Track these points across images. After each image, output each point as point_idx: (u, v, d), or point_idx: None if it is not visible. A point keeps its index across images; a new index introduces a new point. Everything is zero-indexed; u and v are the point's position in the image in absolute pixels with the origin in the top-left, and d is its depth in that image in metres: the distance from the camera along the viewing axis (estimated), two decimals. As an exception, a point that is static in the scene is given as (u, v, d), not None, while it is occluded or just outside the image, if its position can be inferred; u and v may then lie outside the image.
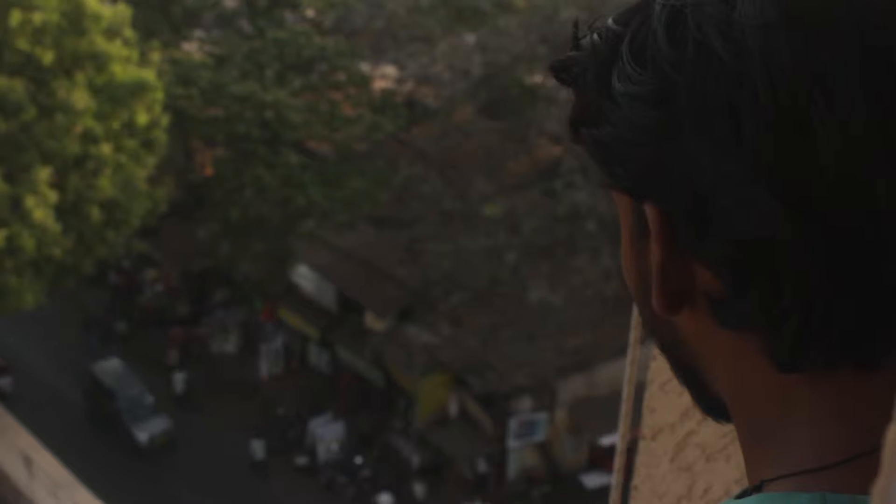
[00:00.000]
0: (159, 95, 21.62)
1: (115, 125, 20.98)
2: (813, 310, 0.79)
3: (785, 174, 0.77)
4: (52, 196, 19.85)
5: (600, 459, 22.13)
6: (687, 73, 0.79)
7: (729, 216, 0.79)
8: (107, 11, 20.95)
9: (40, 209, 19.58)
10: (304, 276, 25.83)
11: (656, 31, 0.82)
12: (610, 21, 0.88)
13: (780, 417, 0.85)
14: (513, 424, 22.98)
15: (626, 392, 1.99)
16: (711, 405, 0.93)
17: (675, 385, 2.12)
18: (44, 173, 19.75)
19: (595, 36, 0.89)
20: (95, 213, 20.91)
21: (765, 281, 0.80)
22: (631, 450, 2.10)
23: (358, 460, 23.49)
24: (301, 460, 23.79)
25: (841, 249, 0.77)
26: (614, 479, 2.07)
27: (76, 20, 20.48)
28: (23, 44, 20.16)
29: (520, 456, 23.26)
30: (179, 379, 25.31)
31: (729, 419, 0.92)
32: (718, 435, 2.08)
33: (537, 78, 23.83)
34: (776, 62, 0.77)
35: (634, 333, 1.94)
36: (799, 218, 0.77)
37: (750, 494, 0.85)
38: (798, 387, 0.83)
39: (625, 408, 2.01)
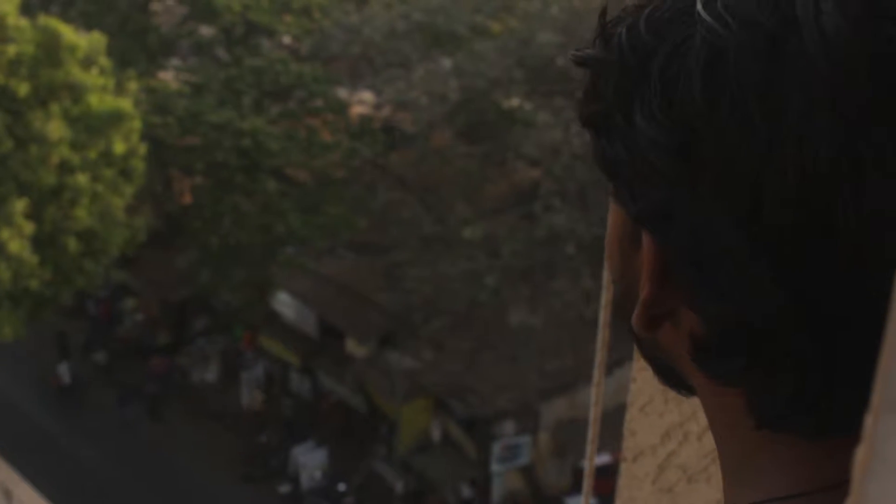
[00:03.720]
0: (136, 124, 21.59)
1: (92, 155, 20.93)
2: (808, 382, 0.77)
3: (795, 266, 0.74)
4: (29, 227, 19.76)
5: (584, 482, 22.09)
6: (717, 130, 0.74)
7: (728, 283, 0.77)
8: (82, 41, 20.92)
9: (16, 241, 19.49)
10: (284, 304, 25.79)
11: (692, 73, 0.76)
12: (642, 23, 0.81)
13: (754, 447, 0.83)
14: (496, 448, 22.95)
15: (593, 415, 1.97)
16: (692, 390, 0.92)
17: (655, 407, 2.10)
18: (20, 205, 19.67)
19: (624, 36, 0.82)
20: (73, 244, 20.83)
21: (754, 351, 0.78)
22: (613, 472, 2.08)
23: (341, 487, 23.41)
24: (284, 488, 23.69)
25: (839, 337, 0.75)
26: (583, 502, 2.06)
27: (52, 51, 20.45)
28: (-3, 76, 20.12)
29: (504, 480, 23.21)
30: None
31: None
32: (699, 456, 2.07)
33: (514, 102, 23.92)
34: (811, 148, 0.72)
35: (600, 355, 1.92)
36: (801, 309, 0.74)
37: None
38: (774, 440, 0.81)
39: (591, 432, 1.99)
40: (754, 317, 0.76)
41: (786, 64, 0.73)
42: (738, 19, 0.75)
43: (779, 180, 0.73)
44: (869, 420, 0.49)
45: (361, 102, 26.03)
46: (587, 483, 2.07)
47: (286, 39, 26.97)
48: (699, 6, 0.78)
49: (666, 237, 0.80)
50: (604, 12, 0.87)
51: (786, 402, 0.78)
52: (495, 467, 23.03)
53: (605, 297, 1.88)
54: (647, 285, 0.81)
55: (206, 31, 26.71)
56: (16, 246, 19.48)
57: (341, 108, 25.34)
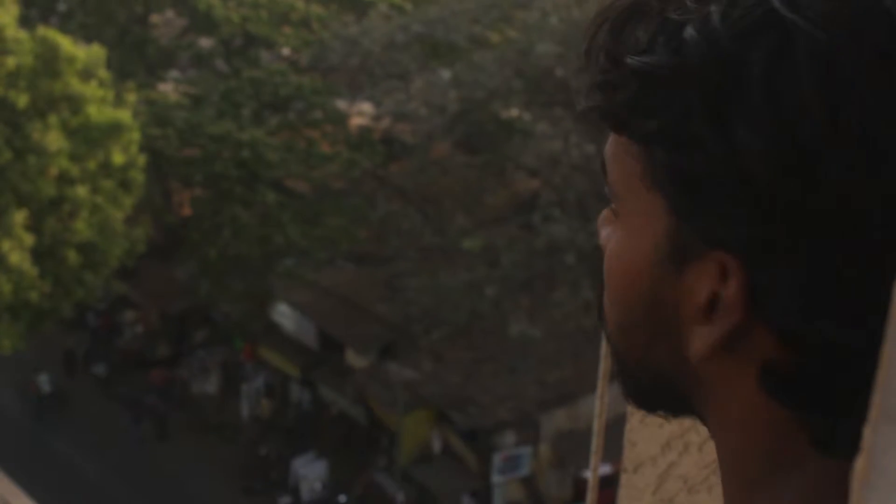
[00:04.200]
0: (135, 135, 21.60)
1: (92, 166, 20.94)
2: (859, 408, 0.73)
3: None
4: (29, 239, 19.76)
5: (585, 493, 22.06)
6: (840, 156, 0.70)
7: (835, 315, 0.73)
8: (81, 53, 20.94)
9: (16, 253, 19.49)
10: (284, 315, 25.77)
11: (802, 83, 0.71)
12: (720, 28, 0.76)
13: (777, 470, 0.81)
14: (497, 459, 22.90)
15: (597, 426, 1.97)
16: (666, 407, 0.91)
17: (655, 417, 2.10)
18: (19, 216, 19.67)
19: (700, 43, 0.76)
20: (72, 256, 20.83)
21: (839, 382, 0.75)
22: (613, 483, 2.08)
23: (342, 499, 23.37)
24: (284, 500, 23.64)
25: None
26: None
27: (50, 63, 20.47)
28: (-3, 88, 20.15)
29: (504, 491, 23.17)
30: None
31: (665, 412, 0.91)
32: (700, 466, 2.06)
33: (513, 112, 23.92)
34: None
35: (603, 366, 1.92)
36: None
37: None
38: (807, 453, 0.80)
39: (595, 442, 1.98)
40: (857, 343, 0.73)
41: None
42: (836, 22, 0.73)
43: None
44: (867, 432, 0.49)
45: (360, 114, 26.04)
46: (592, 494, 2.07)
47: (285, 51, 27.01)
48: (778, 5, 0.75)
49: (764, 262, 0.76)
50: (657, 15, 0.81)
51: (846, 423, 0.75)
52: (496, 478, 22.98)
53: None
54: (737, 311, 0.77)
55: (205, 43, 26.75)
56: (16, 258, 19.47)
57: (340, 119, 25.35)
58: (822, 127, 0.71)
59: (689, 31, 0.77)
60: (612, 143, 0.87)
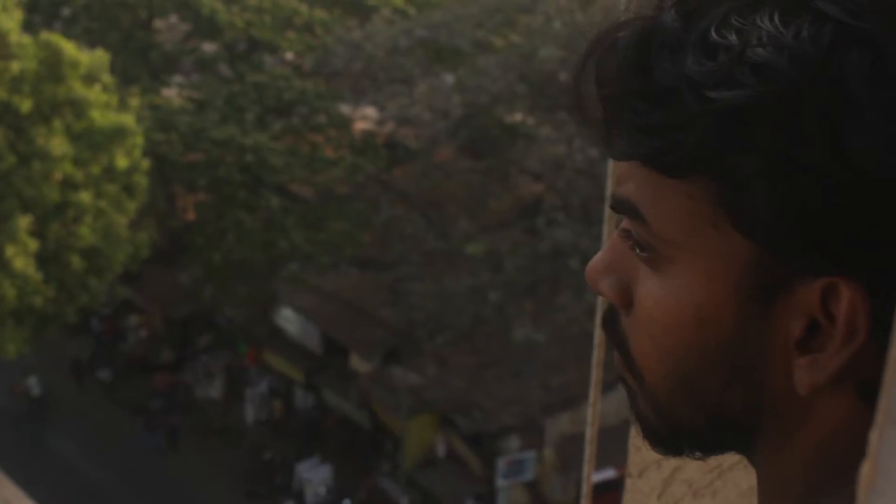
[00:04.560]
0: (139, 140, 21.62)
1: (95, 171, 20.95)
2: None
3: None
4: (33, 244, 19.78)
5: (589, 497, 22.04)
6: None
7: None
8: (85, 58, 20.96)
9: (21, 258, 19.50)
10: (288, 319, 25.77)
11: None
12: (804, 47, 0.73)
13: (842, 480, 0.79)
14: (501, 464, 22.90)
15: (589, 434, 1.96)
16: (712, 445, 0.88)
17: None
18: (24, 222, 19.69)
19: (791, 68, 0.72)
20: (76, 261, 20.84)
21: None
22: (618, 488, 2.08)
23: (346, 503, 23.36)
24: (288, 505, 23.67)
25: None
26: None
27: (54, 67, 20.49)
28: (1, 93, 20.15)
29: (509, 495, 23.16)
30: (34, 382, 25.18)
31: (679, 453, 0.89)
32: (704, 471, 2.06)
33: (517, 116, 23.93)
34: None
35: (595, 374, 1.91)
36: None
37: None
38: None
39: (588, 451, 1.98)
40: None
41: None
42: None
43: None
44: (873, 436, 0.49)
45: (364, 118, 26.06)
46: (585, 501, 2.07)
47: (289, 56, 27.03)
48: (843, 17, 0.73)
49: (885, 281, 0.74)
50: (697, 44, 0.77)
51: None
52: (500, 482, 22.97)
53: (600, 315, 1.87)
54: (861, 335, 0.75)
55: (208, 47, 26.77)
56: (20, 263, 19.48)
57: (344, 123, 25.36)
58: None
59: (768, 56, 0.74)
60: (651, 188, 0.83)
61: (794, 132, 0.73)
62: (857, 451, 0.78)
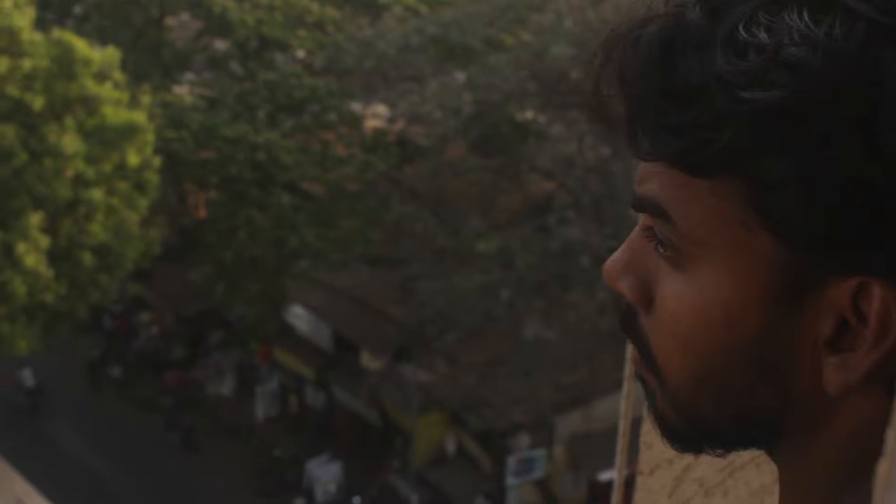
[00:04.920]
0: (150, 137, 21.65)
1: (107, 168, 20.99)
2: None
3: None
4: (44, 241, 19.83)
5: (599, 495, 22.05)
6: None
7: None
8: (96, 55, 21.01)
9: (32, 255, 19.55)
10: (298, 317, 25.79)
11: None
12: (837, 46, 0.72)
13: (864, 479, 0.78)
14: (511, 462, 22.89)
15: (622, 427, 1.96)
16: (734, 442, 0.88)
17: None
18: (35, 218, 19.74)
19: (827, 66, 0.72)
20: (88, 258, 20.88)
21: None
22: (629, 485, 2.07)
23: (356, 501, 23.37)
24: (299, 502, 23.67)
25: None
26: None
27: (66, 65, 20.53)
28: (13, 90, 20.19)
29: (519, 493, 23.16)
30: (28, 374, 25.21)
31: (713, 450, 0.88)
32: (716, 469, 2.06)
33: (528, 114, 23.92)
34: None
35: (629, 367, 1.91)
36: None
37: None
38: None
39: (621, 443, 1.98)
40: None
41: None
42: None
43: None
44: (890, 435, 0.49)
45: (375, 116, 26.07)
46: (617, 494, 2.06)
47: (300, 53, 27.05)
48: (876, 14, 0.73)
49: None
50: (723, 42, 0.76)
51: None
52: (510, 480, 22.97)
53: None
54: (894, 336, 0.75)
55: (220, 45, 26.82)
56: (32, 260, 19.53)
57: (355, 121, 25.37)
58: None
59: (802, 55, 0.74)
60: (676, 187, 0.82)
61: (829, 132, 0.73)
62: (874, 444, 0.78)
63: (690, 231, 0.81)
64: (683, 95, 0.78)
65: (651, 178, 0.84)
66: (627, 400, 1.96)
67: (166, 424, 25.03)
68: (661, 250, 0.85)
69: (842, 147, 0.73)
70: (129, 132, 21.13)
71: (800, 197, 0.75)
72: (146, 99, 22.39)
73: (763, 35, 0.75)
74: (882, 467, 0.48)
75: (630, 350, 2.02)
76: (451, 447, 23.76)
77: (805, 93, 0.73)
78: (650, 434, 2.11)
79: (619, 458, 2.04)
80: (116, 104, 21.20)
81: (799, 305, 0.78)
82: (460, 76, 24.09)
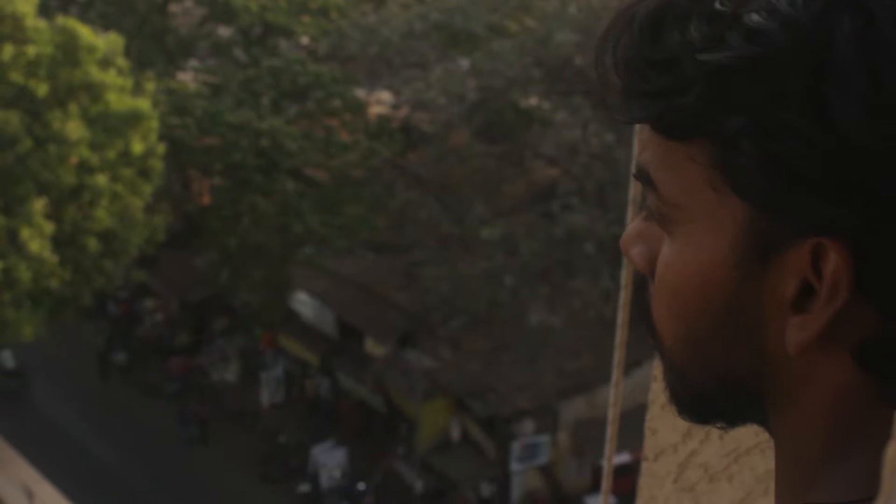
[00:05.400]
0: (154, 124, 21.64)
1: (111, 155, 20.99)
2: None
3: None
4: (49, 227, 19.84)
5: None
6: None
7: None
8: (100, 42, 20.99)
9: (36, 240, 19.57)
10: (303, 303, 25.81)
11: (893, 48, 0.71)
12: (796, 12, 0.75)
13: (850, 447, 0.81)
14: (515, 447, 22.92)
15: (611, 415, 1.97)
16: (729, 413, 0.90)
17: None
18: (39, 204, 19.75)
19: (776, 28, 0.75)
20: (92, 244, 20.89)
21: None
22: (633, 471, 2.08)
23: (361, 487, 23.41)
24: (303, 488, 23.70)
25: None
26: (602, 502, 2.05)
27: (70, 52, 20.52)
28: (17, 77, 20.19)
29: (523, 479, 23.19)
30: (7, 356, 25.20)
31: (710, 423, 0.90)
32: (721, 455, 2.06)
33: (532, 101, 23.88)
34: None
35: (618, 354, 1.92)
36: None
37: None
38: (884, 424, 0.79)
39: (610, 431, 1.99)
40: None
41: None
42: None
43: None
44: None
45: (379, 102, 26.04)
46: (606, 482, 2.07)
47: (304, 40, 27.01)
48: None
49: (868, 240, 0.75)
50: (699, 13, 0.80)
51: None
52: (515, 466, 23.00)
53: (624, 296, 1.88)
54: (844, 293, 0.77)
55: (224, 32, 26.77)
56: (36, 245, 19.55)
57: (359, 108, 25.34)
58: None
59: (761, 21, 0.76)
60: (661, 153, 0.85)
61: (778, 95, 0.75)
62: (863, 419, 0.80)
63: (670, 195, 0.84)
64: (664, 63, 0.81)
65: (646, 148, 0.88)
66: (616, 388, 1.97)
67: (180, 418, 24.92)
68: (652, 217, 0.88)
69: (789, 111, 0.75)
70: (133, 119, 21.12)
71: (753, 157, 0.77)
72: (150, 86, 22.37)
73: (735, 5, 0.78)
74: (891, 451, 0.49)
75: (619, 338, 2.03)
76: (455, 433, 23.79)
77: (755, 55, 0.76)
78: (655, 420, 2.11)
79: (609, 445, 2.05)
80: (120, 91, 21.19)
81: (766, 267, 0.80)
82: (464, 62, 24.05)
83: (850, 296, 0.77)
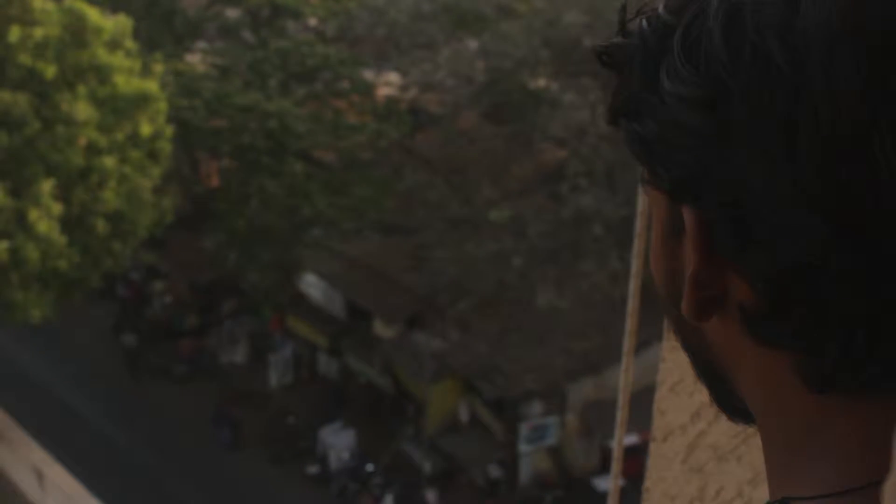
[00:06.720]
0: (162, 106, 21.65)
1: (120, 137, 21.01)
2: (855, 339, 0.75)
3: (840, 200, 0.72)
4: (57, 208, 19.86)
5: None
6: (742, 79, 0.74)
7: (774, 234, 0.75)
8: (108, 24, 20.98)
9: (44, 221, 19.59)
10: (311, 285, 25.83)
11: (712, 31, 0.76)
12: (661, 8, 0.83)
13: (807, 436, 0.81)
14: (524, 429, 22.95)
15: (622, 400, 1.97)
16: (735, 408, 0.90)
17: (685, 386, 2.10)
18: (47, 186, 19.77)
19: (644, 23, 0.83)
20: (101, 225, 20.92)
21: (806, 305, 0.76)
22: (642, 452, 2.08)
23: (369, 468, 23.47)
24: (312, 469, 23.76)
25: (891, 279, 0.73)
26: (611, 486, 2.05)
27: (78, 33, 20.51)
28: (25, 59, 20.19)
29: (531, 460, 23.23)
30: None
31: (750, 421, 0.89)
32: (730, 435, 2.06)
33: (540, 82, 23.83)
34: (838, 79, 0.71)
35: (629, 342, 1.91)
36: (850, 246, 0.72)
37: None
38: (827, 408, 0.79)
39: (620, 415, 1.99)
40: (805, 270, 0.75)
41: (802, 3, 0.73)
42: None
43: (811, 118, 0.72)
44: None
45: (387, 84, 26.00)
46: (615, 467, 2.07)
47: (312, 21, 26.96)
48: None
49: (706, 206, 0.79)
50: (624, 8, 0.88)
51: (833, 360, 0.76)
52: (523, 448, 23.04)
53: (634, 285, 1.87)
54: (694, 257, 0.80)
55: (232, 13, 26.73)
56: (44, 227, 19.58)
57: (367, 89, 25.32)
58: (725, 67, 0.76)
59: (642, 22, 0.84)
60: None
61: (636, 76, 0.83)
62: (804, 409, 0.81)
63: (645, 174, 0.87)
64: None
65: None
66: (626, 374, 1.97)
67: (214, 421, 24.72)
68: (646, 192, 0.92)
69: (649, 89, 0.81)
70: (141, 101, 21.13)
71: (633, 131, 0.84)
72: (158, 68, 22.36)
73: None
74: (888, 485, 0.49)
75: (629, 325, 2.02)
76: (463, 415, 23.83)
77: (621, 46, 0.85)
78: (664, 401, 2.11)
79: (619, 429, 2.05)
80: (128, 73, 21.19)
81: (679, 242, 0.83)
82: (473, 44, 24.01)
83: (705, 261, 0.80)
